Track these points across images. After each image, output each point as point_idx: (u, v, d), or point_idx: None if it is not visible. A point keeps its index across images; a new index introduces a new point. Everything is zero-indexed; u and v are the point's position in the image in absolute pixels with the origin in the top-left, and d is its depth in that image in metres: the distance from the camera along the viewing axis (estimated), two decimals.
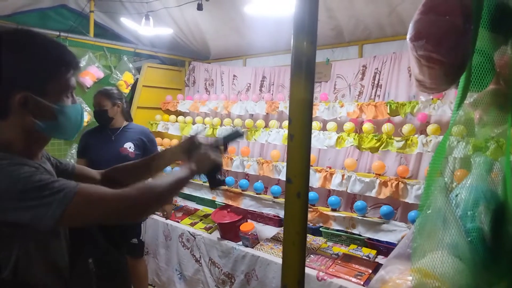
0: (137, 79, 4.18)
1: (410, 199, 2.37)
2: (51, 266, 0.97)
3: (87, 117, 3.72)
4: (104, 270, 1.12)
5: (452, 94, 2.63)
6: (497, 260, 0.95)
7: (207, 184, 3.32)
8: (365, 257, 2.53)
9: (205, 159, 1.23)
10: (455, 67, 0.99)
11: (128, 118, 2.84)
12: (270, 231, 3.10)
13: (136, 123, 2.97)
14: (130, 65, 4.08)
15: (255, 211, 3.19)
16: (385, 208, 2.39)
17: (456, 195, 1.03)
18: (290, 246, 0.71)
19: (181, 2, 3.39)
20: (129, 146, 2.67)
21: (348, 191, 2.64)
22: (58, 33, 3.41)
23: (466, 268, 0.90)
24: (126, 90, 4.03)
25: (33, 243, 0.92)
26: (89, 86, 3.77)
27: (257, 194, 3.06)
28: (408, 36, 1.05)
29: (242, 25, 3.54)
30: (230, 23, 3.62)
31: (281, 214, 2.90)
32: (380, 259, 2.53)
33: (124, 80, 3.94)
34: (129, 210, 0.94)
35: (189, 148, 1.30)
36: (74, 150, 3.70)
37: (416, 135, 2.51)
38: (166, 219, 3.38)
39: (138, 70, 4.24)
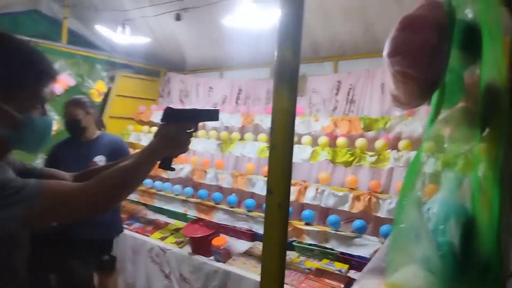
0: (110, 88, 4.08)
1: (382, 213, 2.39)
2: (9, 279, 0.90)
3: (56, 125, 3.58)
4: (68, 284, 1.04)
5: (423, 111, 2.70)
6: (466, 274, 0.96)
7: (179, 197, 3.30)
8: (337, 272, 2.51)
9: (174, 140, 1.07)
10: (429, 84, 1.01)
11: (101, 126, 2.73)
12: (242, 245, 3.04)
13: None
14: (104, 74, 3.98)
15: (228, 225, 3.13)
16: (358, 222, 2.39)
17: (428, 209, 1.04)
18: (270, 257, 0.69)
19: (159, 11, 3.36)
20: (99, 160, 2.55)
21: (322, 205, 2.64)
22: (28, 39, 3.29)
23: (437, 282, 0.90)
24: (98, 99, 3.93)
25: None
26: (58, 94, 3.64)
27: (230, 207, 3.00)
28: (385, 52, 1.07)
29: (220, 37, 3.54)
30: (208, 34, 3.62)
31: (255, 228, 2.86)
32: (352, 273, 2.52)
33: (96, 89, 3.84)
34: (97, 201, 0.90)
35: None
36: (39, 161, 3.53)
37: (388, 151, 2.55)
38: None
39: (112, 79, 4.14)
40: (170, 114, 1.13)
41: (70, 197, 0.87)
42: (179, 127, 1.08)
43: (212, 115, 1.21)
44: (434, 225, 0.99)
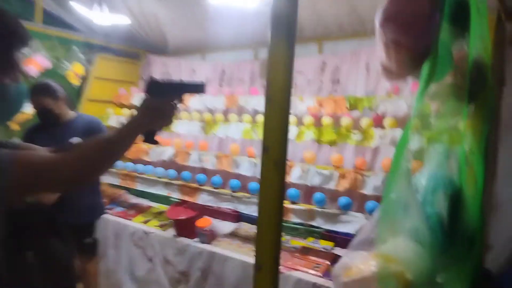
0: (88, 70, 3.94)
1: (367, 191, 2.40)
2: None
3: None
4: (46, 262, 0.98)
5: (408, 90, 2.71)
6: (453, 245, 0.96)
7: (162, 179, 3.23)
8: (322, 249, 2.51)
9: (158, 113, 1.02)
10: (421, 53, 1.01)
11: (73, 107, 2.63)
12: (227, 226, 3.00)
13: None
14: (81, 56, 3.83)
15: (212, 207, 3.09)
16: (343, 200, 2.39)
17: (414, 183, 1.03)
18: (266, 220, 0.65)
19: None
20: (76, 142, 2.45)
21: (308, 184, 2.63)
22: None
23: (425, 252, 0.90)
24: (75, 81, 3.79)
25: None
26: (34, 76, 3.49)
27: (215, 188, 2.96)
28: (377, 21, 1.05)
29: (203, 17, 3.45)
30: (190, 14, 3.52)
31: (240, 208, 2.83)
32: (337, 250, 2.53)
33: (73, 71, 3.69)
34: (76, 173, 0.83)
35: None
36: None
37: (373, 129, 2.55)
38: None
39: (90, 62, 3.99)
40: (153, 86, 1.08)
41: (47, 168, 0.81)
42: (163, 99, 1.03)
43: (198, 88, 1.15)
44: (422, 197, 0.99)
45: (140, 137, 1.04)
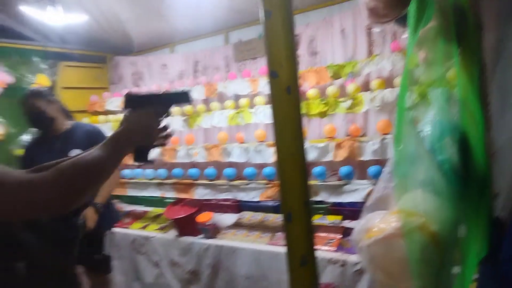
0: (54, 81, 3.72)
1: (366, 157, 2.36)
2: None
3: (1, 129, 3.22)
4: (43, 274, 0.88)
5: (388, 49, 2.67)
6: (469, 189, 0.93)
7: (153, 181, 3.10)
8: (331, 224, 2.48)
9: (141, 127, 0.93)
10: None
11: (70, 116, 2.42)
12: (229, 218, 2.92)
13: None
14: (44, 66, 3.61)
15: (210, 201, 3.00)
16: (344, 169, 2.35)
17: (421, 132, 0.99)
18: (288, 158, 0.55)
19: None
20: (76, 154, 2.26)
21: None
22: None
23: (444, 202, 0.87)
24: None
25: None
26: None
27: (210, 181, 2.87)
28: None
29: (164, 6, 3.28)
30: (150, 5, 3.34)
31: (240, 196, 2.75)
32: (346, 223, 2.50)
33: (38, 83, 3.47)
34: (53, 196, 0.74)
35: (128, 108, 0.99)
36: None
37: (361, 93, 2.50)
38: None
39: (54, 72, 3.77)
40: (131, 101, 0.98)
41: (16, 189, 0.72)
42: (145, 114, 0.94)
43: (182, 97, 1.05)
44: (430, 145, 0.94)
45: (130, 156, 0.95)
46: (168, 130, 1.00)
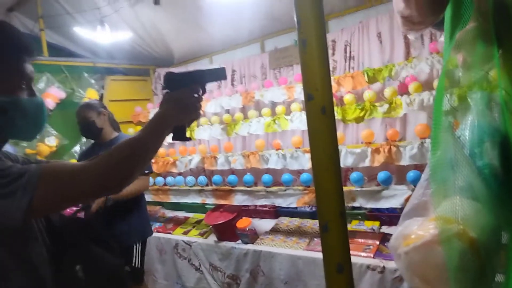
0: (102, 94, 3.97)
1: (405, 161, 2.31)
2: (32, 277, 0.81)
3: (55, 141, 3.49)
4: (97, 277, 0.96)
5: (426, 51, 2.61)
6: (510, 194, 0.90)
7: (194, 188, 3.19)
8: (369, 230, 2.45)
9: (181, 105, 0.96)
10: None
11: (117, 127, 2.61)
12: (267, 224, 2.97)
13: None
14: (92, 81, 3.87)
15: (248, 207, 3.06)
16: (382, 174, 2.31)
17: (459, 137, 0.97)
18: (323, 173, 0.59)
19: (133, 2, 3.21)
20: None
21: (341, 165, 2.55)
22: None
23: (483, 208, 0.84)
24: None
25: (6, 250, 0.76)
26: (52, 109, 3.54)
27: (248, 187, 2.92)
28: None
29: (202, 18, 3.41)
30: (189, 18, 3.49)
31: (277, 202, 2.78)
32: (384, 229, 2.46)
33: (88, 97, 3.73)
34: (105, 178, 0.81)
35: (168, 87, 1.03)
36: None
37: (398, 97, 2.46)
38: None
39: (102, 86, 4.04)
40: (171, 80, 1.02)
41: (74, 176, 0.79)
42: (184, 91, 0.98)
43: (218, 74, 1.08)
44: (469, 149, 0.92)
45: (169, 136, 1.00)
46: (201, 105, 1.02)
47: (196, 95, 1.00)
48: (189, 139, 1.08)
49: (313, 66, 0.59)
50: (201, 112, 1.03)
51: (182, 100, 0.96)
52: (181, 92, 0.97)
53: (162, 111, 0.95)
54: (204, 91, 1.04)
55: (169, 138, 1.03)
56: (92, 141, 2.63)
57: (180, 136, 1.04)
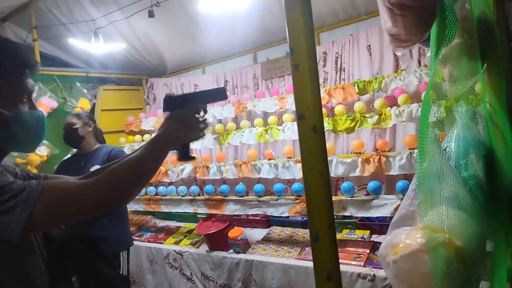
0: (94, 104, 3.98)
1: (394, 171, 2.36)
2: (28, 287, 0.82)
3: (46, 150, 3.47)
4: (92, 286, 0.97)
5: (415, 64, 2.68)
6: (495, 204, 0.94)
7: (186, 197, 3.20)
8: (360, 239, 2.48)
9: (182, 124, 0.98)
10: (427, 12, 0.99)
11: (102, 140, 2.65)
12: (259, 233, 2.98)
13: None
14: (85, 91, 3.87)
15: (240, 216, 3.07)
16: (372, 184, 2.35)
17: (445, 149, 1.01)
18: (314, 188, 0.63)
19: (127, 14, 3.24)
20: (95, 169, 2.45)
21: (332, 175, 2.60)
22: None
23: (469, 218, 0.88)
24: None
25: (4, 263, 0.77)
26: None
27: (240, 197, 2.94)
28: None
29: (195, 29, 3.46)
30: (182, 29, 3.54)
31: (269, 212, 2.80)
32: (375, 238, 2.49)
33: (80, 107, 3.72)
34: (105, 196, 0.82)
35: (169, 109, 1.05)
36: None
37: (388, 108, 2.51)
38: None
39: (94, 96, 4.05)
40: (171, 103, 1.05)
41: (74, 194, 0.80)
42: (184, 111, 1.00)
43: (218, 94, 1.10)
44: (455, 161, 0.96)
45: (174, 156, 1.02)
46: (205, 123, 1.04)
47: (197, 115, 1.02)
48: (194, 158, 1.11)
49: (305, 87, 0.63)
50: (204, 132, 1.05)
51: (182, 119, 0.99)
52: (182, 112, 1.00)
53: (162, 130, 0.97)
54: (205, 112, 1.06)
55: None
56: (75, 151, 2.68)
57: (185, 155, 1.08)
